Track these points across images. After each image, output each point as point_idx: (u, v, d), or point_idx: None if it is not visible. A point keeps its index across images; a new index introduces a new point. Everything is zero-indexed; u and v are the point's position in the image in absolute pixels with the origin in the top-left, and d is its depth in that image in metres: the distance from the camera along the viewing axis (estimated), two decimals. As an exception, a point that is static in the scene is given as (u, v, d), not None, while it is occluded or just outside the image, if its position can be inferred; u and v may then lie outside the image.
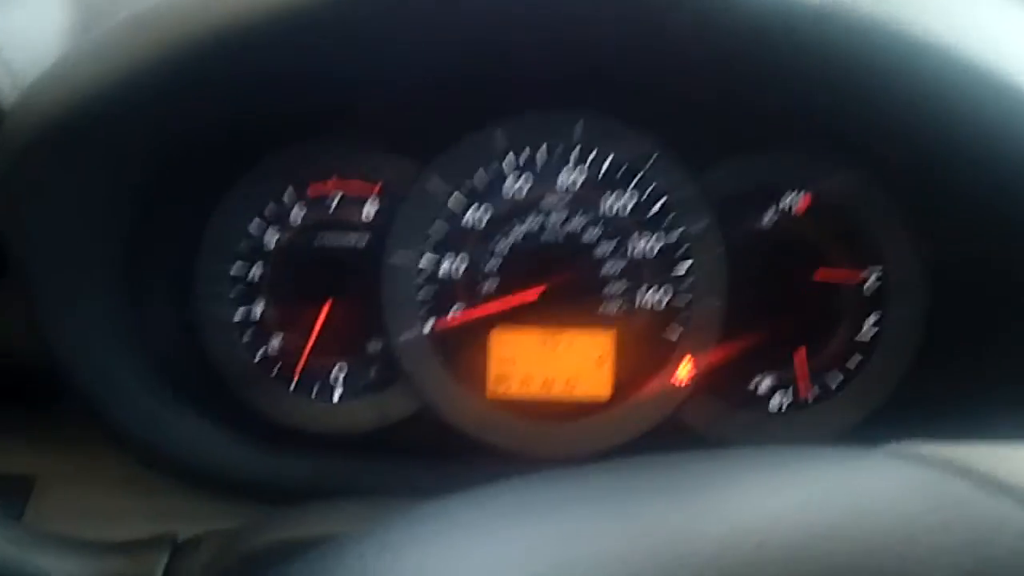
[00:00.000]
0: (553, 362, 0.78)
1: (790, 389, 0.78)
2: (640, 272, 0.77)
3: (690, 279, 0.77)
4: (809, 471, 0.29)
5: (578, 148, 0.76)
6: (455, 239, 0.77)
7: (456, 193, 0.76)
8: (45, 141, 0.59)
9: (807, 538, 0.25)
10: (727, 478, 0.30)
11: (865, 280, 0.76)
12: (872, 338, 0.77)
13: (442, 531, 0.28)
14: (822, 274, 0.76)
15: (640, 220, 0.77)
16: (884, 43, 0.57)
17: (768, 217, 0.77)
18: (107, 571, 0.47)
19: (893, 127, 0.65)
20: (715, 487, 0.29)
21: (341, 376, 0.79)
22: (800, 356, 0.77)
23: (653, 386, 0.78)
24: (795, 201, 0.76)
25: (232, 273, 0.78)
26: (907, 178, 0.72)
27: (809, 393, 0.78)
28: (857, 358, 0.77)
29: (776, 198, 0.76)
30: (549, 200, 0.77)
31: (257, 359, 0.78)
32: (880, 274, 0.76)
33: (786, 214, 0.76)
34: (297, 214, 0.77)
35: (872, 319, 0.77)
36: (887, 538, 0.25)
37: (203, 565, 0.48)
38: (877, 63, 0.58)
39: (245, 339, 0.78)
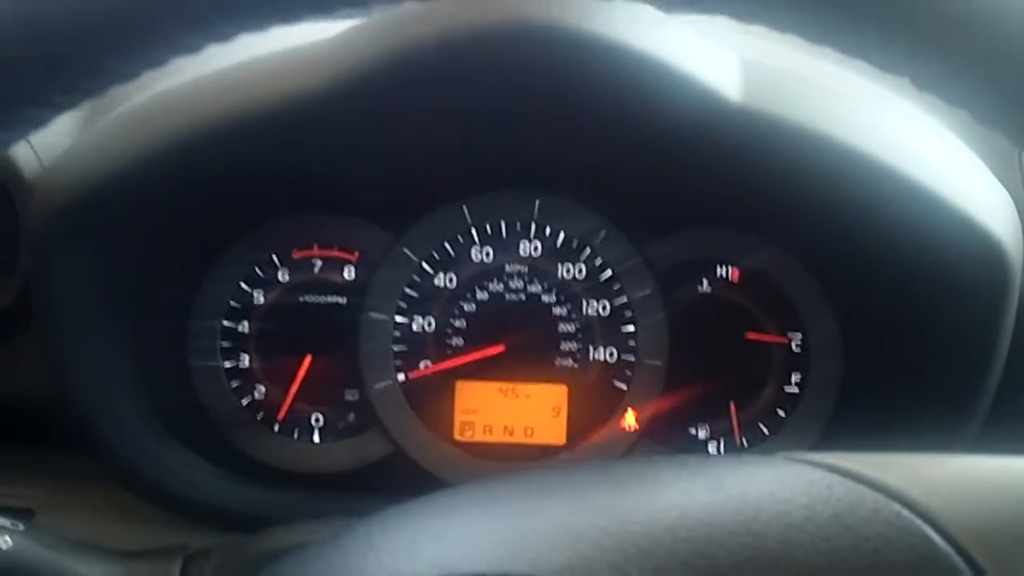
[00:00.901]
0: (513, 411, 0.86)
1: (726, 437, 0.86)
2: (591, 332, 0.85)
3: (635, 339, 0.85)
4: (715, 469, 0.38)
5: (535, 224, 0.84)
6: (425, 300, 0.85)
7: (426, 260, 0.85)
8: (62, 221, 0.68)
9: (712, 519, 0.33)
10: (649, 473, 0.38)
11: (791, 342, 0.85)
12: (798, 391, 0.85)
13: (427, 517, 0.37)
14: (752, 336, 0.85)
15: (591, 286, 0.85)
16: (794, 140, 0.66)
17: (704, 286, 0.85)
18: (131, 574, 0.55)
19: (808, 211, 0.74)
20: (640, 479, 0.38)
21: (321, 420, 0.86)
22: (734, 407, 0.86)
23: (603, 433, 0.85)
24: (728, 272, 0.84)
25: (222, 328, 0.85)
26: (823, 254, 0.81)
27: (743, 440, 0.86)
28: (785, 409, 0.85)
29: (711, 269, 0.84)
30: (510, 268, 0.85)
31: (245, 404, 0.86)
32: (802, 337, 0.85)
33: (720, 283, 0.84)
34: (282, 276, 0.85)
35: (797, 376, 0.85)
36: (767, 519, 0.33)
37: (214, 568, 0.55)
38: (789, 156, 0.67)
39: (234, 386, 0.86)
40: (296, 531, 0.58)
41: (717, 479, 0.36)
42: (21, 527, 0.52)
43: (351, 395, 0.86)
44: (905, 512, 0.33)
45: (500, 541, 0.33)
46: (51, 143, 0.71)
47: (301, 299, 0.85)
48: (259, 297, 0.86)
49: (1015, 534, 0.33)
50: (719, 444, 0.86)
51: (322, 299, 0.85)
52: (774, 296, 0.84)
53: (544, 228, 0.85)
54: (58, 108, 0.36)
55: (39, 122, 0.36)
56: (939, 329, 0.71)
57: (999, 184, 0.69)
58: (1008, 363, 0.70)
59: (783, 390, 0.85)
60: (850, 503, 0.33)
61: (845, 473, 0.35)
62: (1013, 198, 0.69)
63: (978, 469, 0.36)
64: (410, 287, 0.85)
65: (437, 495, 0.39)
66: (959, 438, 0.71)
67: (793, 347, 0.85)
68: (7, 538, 0.51)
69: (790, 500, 0.33)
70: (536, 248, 0.85)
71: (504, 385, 0.86)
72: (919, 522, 0.32)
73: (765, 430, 0.85)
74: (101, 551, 0.55)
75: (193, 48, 0.35)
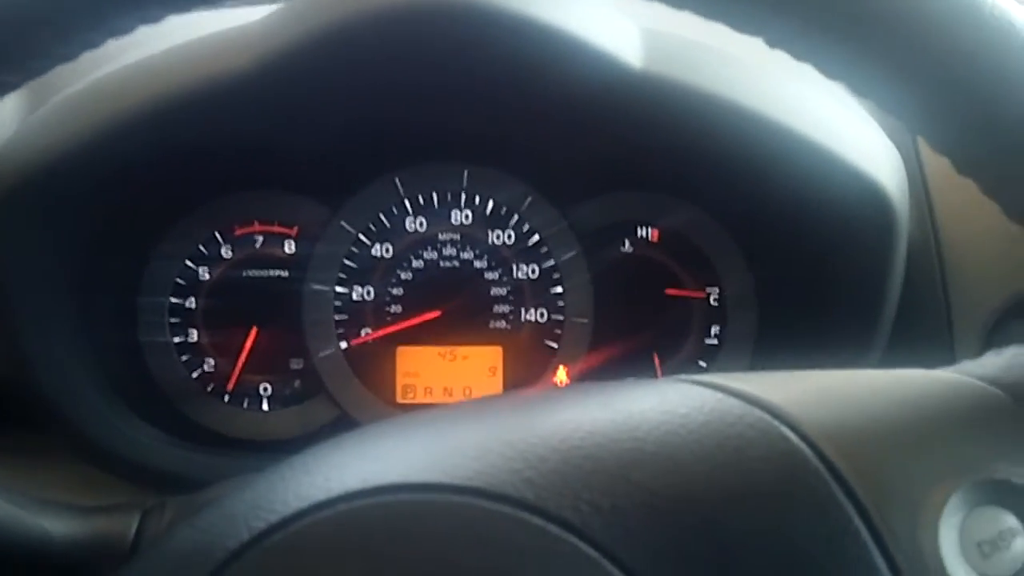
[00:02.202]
0: (452, 373, 0.90)
1: (653, 389, 0.92)
2: (522, 294, 0.90)
3: (564, 299, 0.90)
4: (608, 391, 0.43)
5: (465, 193, 0.89)
6: (364, 270, 0.89)
7: (363, 232, 0.89)
8: (10, 204, 0.71)
9: (601, 429, 0.38)
10: (550, 398, 0.43)
11: (709, 296, 0.91)
12: (717, 342, 0.90)
13: (354, 446, 0.41)
14: (672, 292, 0.90)
15: (520, 251, 0.89)
16: (696, 104, 0.71)
17: (626, 246, 0.90)
18: (91, 528, 0.58)
19: (716, 171, 0.79)
20: (542, 403, 0.43)
21: (269, 389, 0.90)
22: (657, 360, 0.91)
23: (537, 389, 0.91)
24: (648, 232, 0.90)
25: (170, 304, 0.89)
26: (734, 212, 0.86)
27: (668, 392, 0.92)
28: (705, 359, 0.90)
29: (632, 230, 0.90)
30: (443, 236, 0.89)
31: (195, 376, 0.89)
32: (719, 291, 0.90)
33: (641, 243, 0.90)
34: (225, 252, 0.89)
35: (716, 328, 0.90)
36: (648, 428, 0.38)
37: (170, 521, 0.59)
38: (693, 120, 0.72)
39: (183, 359, 0.89)
40: (244, 483, 0.62)
41: (608, 399, 0.41)
42: (-15, 487, 0.56)
43: (296, 364, 0.90)
44: (766, 416, 0.38)
45: (419, 457, 0.38)
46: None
47: (245, 274, 0.89)
48: (204, 273, 0.89)
49: (861, 433, 0.38)
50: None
51: (265, 273, 0.89)
52: (692, 253, 0.90)
53: (473, 197, 0.89)
54: (2, 89, 0.40)
55: None
56: (838, 274, 0.77)
57: (888, 141, 0.75)
58: (904, 299, 0.76)
59: (703, 342, 0.91)
60: (720, 411, 0.38)
61: (716, 387, 0.40)
62: (905, 156, 0.75)
63: (831, 379, 0.41)
64: (348, 258, 0.89)
65: (359, 430, 0.43)
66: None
67: (711, 301, 0.90)
68: (-29, 497, 0.55)
69: (669, 411, 0.39)
70: (467, 216, 0.90)
71: (442, 349, 0.90)
72: (777, 423, 0.38)
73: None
74: (63, 507, 0.58)
75: (126, 30, 0.39)
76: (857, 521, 0.35)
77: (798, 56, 0.39)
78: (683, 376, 0.42)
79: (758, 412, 0.38)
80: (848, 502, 0.36)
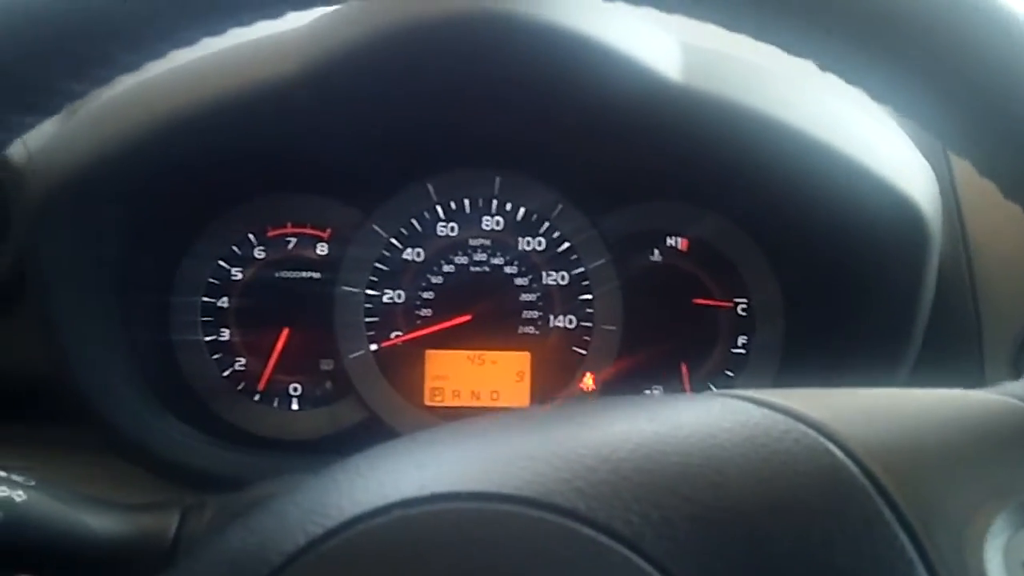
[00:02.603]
0: (480, 377, 0.91)
1: (679, 397, 0.92)
2: (551, 301, 0.91)
3: (592, 306, 0.90)
4: (654, 405, 0.44)
5: (496, 200, 0.90)
6: (395, 273, 0.90)
7: (395, 236, 0.90)
8: (52, 205, 0.72)
9: (649, 441, 0.39)
10: (596, 410, 0.44)
11: (737, 306, 0.91)
12: (744, 352, 0.91)
13: (407, 451, 0.42)
14: (700, 301, 0.91)
15: (550, 258, 0.90)
16: (733, 118, 0.71)
17: (655, 255, 0.91)
18: (134, 525, 0.59)
19: (749, 183, 0.80)
20: (589, 415, 0.44)
21: (299, 389, 0.91)
22: (685, 369, 0.92)
23: (564, 395, 0.91)
24: (677, 242, 0.90)
25: (202, 304, 0.90)
26: (764, 223, 0.87)
27: (693, 399, 0.92)
28: (733, 369, 0.91)
29: (661, 239, 0.90)
30: (474, 241, 0.90)
31: (226, 375, 0.90)
32: (747, 301, 0.91)
33: (670, 252, 0.90)
34: (258, 253, 0.90)
35: (743, 338, 0.91)
36: (695, 441, 0.39)
37: (211, 519, 0.60)
38: (730, 133, 0.73)
39: (215, 358, 0.90)
40: (283, 484, 0.63)
41: (655, 412, 0.42)
42: (33, 483, 0.57)
43: (326, 365, 0.91)
44: (812, 432, 0.39)
45: (472, 466, 0.39)
46: (34, 130, 0.75)
47: (277, 275, 0.90)
48: (237, 273, 0.90)
49: (907, 451, 0.39)
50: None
51: (297, 274, 0.90)
52: (720, 263, 0.90)
53: (505, 204, 0.90)
54: (70, 97, 0.41)
55: (53, 111, 0.41)
56: (870, 289, 0.77)
57: (922, 157, 0.75)
58: (934, 315, 0.76)
59: (730, 351, 0.91)
60: (765, 427, 0.39)
61: (762, 403, 0.40)
62: (938, 172, 0.76)
63: (875, 398, 0.42)
64: (380, 261, 0.90)
65: (413, 436, 0.44)
66: (890, 385, 0.77)
67: (739, 311, 0.91)
68: (20, 492, 0.56)
69: (715, 425, 0.39)
70: (498, 223, 0.90)
71: (471, 352, 0.91)
72: (823, 439, 0.38)
73: (715, 388, 0.92)
74: (105, 504, 0.59)
75: (191, 41, 0.40)
76: (903, 538, 0.36)
77: (849, 80, 0.39)
78: (727, 391, 0.43)
79: (803, 428, 0.39)
80: (894, 519, 0.36)
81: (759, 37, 0.39)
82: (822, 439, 0.38)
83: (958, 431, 0.39)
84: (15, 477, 0.57)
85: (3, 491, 0.55)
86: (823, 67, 0.39)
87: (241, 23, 0.40)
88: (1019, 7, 0.36)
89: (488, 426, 0.44)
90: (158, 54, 0.40)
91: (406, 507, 0.37)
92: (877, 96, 0.39)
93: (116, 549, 0.58)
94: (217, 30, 0.40)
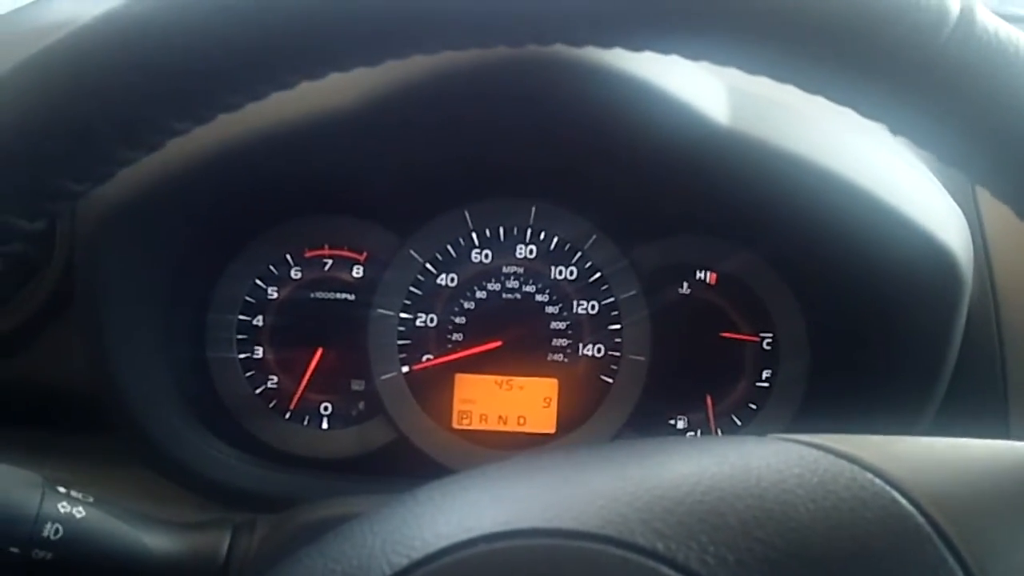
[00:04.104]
0: (508, 402, 0.93)
1: (702, 427, 0.94)
2: (580, 329, 0.93)
3: (621, 336, 0.92)
4: (720, 447, 0.45)
5: (531, 228, 0.91)
6: (429, 298, 0.92)
7: (430, 261, 0.91)
8: (108, 223, 0.74)
9: (721, 485, 0.41)
10: (665, 450, 0.46)
11: (762, 340, 0.93)
12: (768, 386, 0.93)
13: (480, 485, 0.43)
14: (726, 335, 0.93)
15: (581, 287, 0.92)
16: (775, 161, 0.73)
17: (684, 288, 0.92)
18: (187, 544, 0.61)
19: (782, 223, 0.82)
20: (659, 454, 0.45)
21: (329, 409, 0.92)
22: (710, 400, 0.93)
23: (590, 423, 0.93)
24: (706, 275, 0.92)
25: (238, 322, 0.92)
26: (794, 262, 0.89)
27: (718, 431, 0.94)
28: (756, 402, 0.92)
29: (691, 272, 0.92)
30: (507, 269, 0.92)
31: (258, 393, 0.92)
32: (772, 336, 0.93)
33: (699, 285, 0.92)
34: (294, 274, 0.91)
35: (767, 372, 0.92)
36: (766, 485, 0.41)
37: (260, 539, 0.62)
38: (770, 176, 0.74)
39: (248, 376, 0.92)
40: (333, 505, 0.65)
41: (723, 454, 0.43)
42: (92, 500, 0.58)
43: (358, 385, 0.93)
44: (877, 480, 0.40)
45: (549, 503, 0.41)
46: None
47: (312, 295, 0.92)
48: (273, 293, 0.92)
49: (968, 500, 0.40)
50: (696, 435, 0.93)
51: (332, 296, 0.92)
52: (748, 298, 0.92)
53: (539, 233, 0.92)
54: (172, 135, 0.42)
55: (154, 148, 0.43)
56: (898, 331, 0.79)
57: (954, 204, 0.77)
58: (959, 360, 0.78)
59: (755, 385, 0.93)
60: (833, 473, 0.41)
61: (828, 450, 0.42)
62: (967, 217, 0.78)
63: (936, 446, 0.44)
64: (415, 286, 0.92)
65: (484, 469, 0.46)
66: (912, 429, 0.79)
67: (764, 345, 0.93)
68: (80, 509, 0.57)
69: (784, 470, 0.41)
70: (531, 251, 0.92)
71: (499, 378, 0.93)
72: (888, 488, 0.40)
73: (738, 421, 0.93)
74: (159, 522, 0.61)
75: (290, 85, 0.42)
76: None
77: (862, 112, 0.41)
78: (791, 436, 0.45)
79: (870, 476, 0.40)
80: (958, 567, 0.38)
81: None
82: (888, 488, 0.40)
83: (1016, 483, 0.41)
84: (74, 494, 0.58)
85: (64, 507, 0.57)
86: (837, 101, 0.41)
87: (342, 69, 0.42)
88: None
89: (560, 461, 0.45)
90: (261, 96, 0.41)
91: (490, 542, 0.39)
92: (896, 129, 0.41)
93: (170, 567, 0.60)
94: (318, 76, 0.41)
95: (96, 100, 0.37)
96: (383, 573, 0.39)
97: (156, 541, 0.59)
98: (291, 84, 0.42)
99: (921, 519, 0.39)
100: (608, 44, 0.41)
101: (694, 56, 0.41)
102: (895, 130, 0.41)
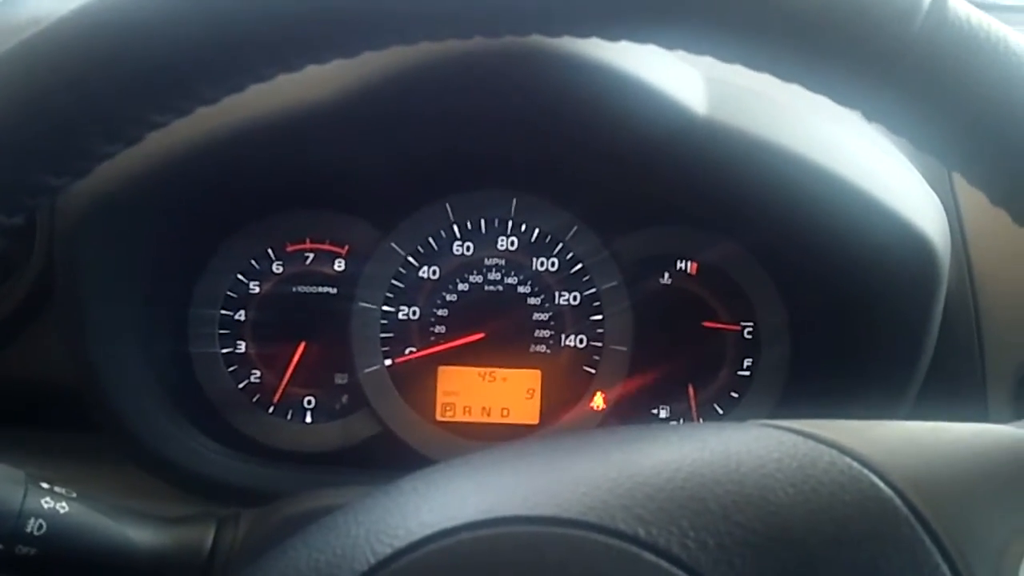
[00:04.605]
0: (491, 393, 0.93)
1: (684, 416, 0.94)
2: (563, 320, 0.93)
3: (603, 327, 0.92)
4: (701, 433, 0.46)
5: (512, 220, 0.92)
6: (411, 291, 0.92)
7: (412, 254, 0.91)
8: (86, 220, 0.74)
9: (702, 470, 0.41)
10: (647, 436, 0.46)
11: (743, 329, 0.93)
12: (749, 374, 0.93)
13: (464, 474, 0.43)
14: (708, 324, 0.93)
15: (563, 278, 0.92)
16: (753, 150, 0.74)
17: (665, 278, 0.92)
18: (171, 538, 0.61)
19: (762, 212, 0.82)
20: (641, 441, 0.46)
21: (313, 402, 0.92)
22: (692, 390, 0.94)
23: (573, 414, 0.93)
24: (688, 265, 0.92)
25: (220, 317, 0.91)
26: (774, 251, 0.89)
27: (700, 419, 0.94)
28: (738, 391, 0.93)
29: (672, 262, 0.92)
30: (489, 261, 0.92)
31: (241, 387, 0.92)
32: (753, 325, 0.93)
33: (680, 276, 0.92)
34: (276, 268, 0.91)
35: (748, 361, 0.93)
36: (746, 471, 0.41)
37: (245, 533, 0.62)
38: (748, 165, 0.75)
39: (231, 371, 0.92)
40: (316, 497, 0.65)
41: (703, 440, 0.44)
42: (75, 495, 0.58)
43: (341, 379, 0.93)
44: (855, 464, 0.41)
45: (533, 490, 0.41)
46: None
47: (294, 289, 0.92)
48: (255, 287, 0.92)
49: (946, 483, 0.41)
50: (679, 423, 0.94)
51: (314, 289, 0.92)
52: (729, 288, 0.92)
53: (520, 225, 0.92)
54: (152, 128, 0.42)
55: (134, 141, 0.43)
56: (877, 318, 0.80)
57: (931, 190, 0.78)
58: (938, 346, 0.79)
59: (736, 374, 0.93)
60: (812, 458, 0.41)
61: (807, 435, 0.43)
62: (944, 204, 0.79)
63: (914, 431, 0.44)
64: (397, 279, 0.92)
65: (467, 458, 0.46)
66: (892, 415, 0.80)
67: (745, 334, 0.93)
68: (64, 504, 0.57)
69: (764, 456, 0.41)
70: (513, 243, 0.92)
71: (482, 369, 0.93)
72: (867, 472, 0.40)
73: (720, 410, 0.94)
74: (144, 516, 0.61)
75: (268, 77, 0.42)
76: (943, 567, 0.38)
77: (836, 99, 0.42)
78: (771, 421, 0.45)
79: (848, 460, 0.41)
80: (935, 549, 0.38)
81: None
82: (866, 471, 0.40)
83: (992, 465, 0.42)
84: (58, 489, 0.58)
85: (47, 503, 0.57)
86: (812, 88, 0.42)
87: (319, 61, 0.42)
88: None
89: (543, 449, 0.46)
90: (240, 88, 0.41)
91: (472, 530, 0.39)
92: (870, 115, 0.42)
93: (155, 561, 0.60)
94: (295, 68, 0.41)
95: (74, 93, 0.37)
96: (367, 562, 0.39)
97: (141, 535, 0.59)
98: (269, 76, 0.42)
99: (899, 502, 0.39)
100: (585, 34, 0.41)
101: (669, 45, 0.41)
102: (870, 117, 0.42)
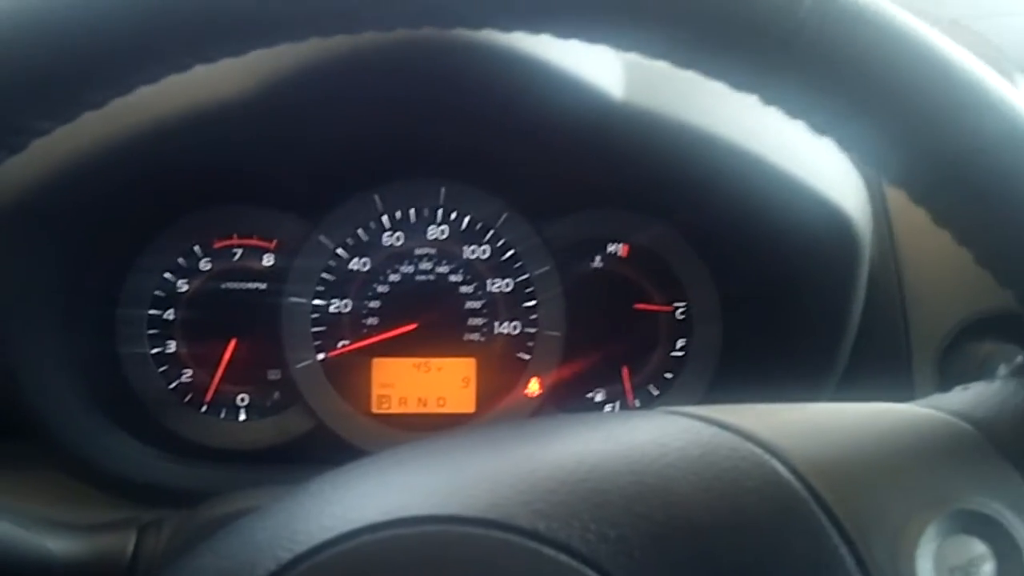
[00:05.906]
0: (426, 384, 0.93)
1: (620, 399, 0.95)
2: (496, 308, 0.93)
3: (536, 312, 0.93)
4: (607, 423, 0.46)
5: (442, 209, 0.91)
6: (341, 283, 0.91)
7: (341, 246, 0.91)
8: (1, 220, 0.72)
9: (604, 462, 0.41)
10: (552, 429, 0.46)
11: (676, 310, 0.94)
12: (683, 355, 0.94)
13: (369, 475, 0.43)
14: (640, 306, 0.94)
15: (494, 265, 0.92)
16: (674, 133, 0.74)
17: (597, 262, 0.93)
18: (91, 546, 0.60)
19: (689, 194, 0.82)
20: (545, 434, 0.46)
21: (246, 400, 0.92)
22: (627, 372, 0.94)
23: (509, 400, 0.93)
24: (618, 248, 0.93)
25: (148, 316, 0.90)
26: (703, 231, 0.90)
27: (634, 402, 0.95)
28: (672, 371, 0.94)
29: (603, 246, 0.93)
30: (420, 251, 0.91)
31: (172, 387, 0.91)
32: (685, 306, 0.94)
33: (611, 259, 0.93)
34: (204, 265, 0.90)
35: (682, 341, 0.94)
36: (648, 460, 0.41)
37: (167, 538, 0.61)
38: (671, 147, 0.75)
39: (161, 370, 0.90)
40: (237, 499, 0.64)
41: (609, 431, 0.44)
42: (-14, 506, 0.57)
43: (274, 375, 0.92)
44: (757, 450, 0.41)
45: (434, 489, 0.41)
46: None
47: (223, 286, 0.90)
48: (183, 285, 0.90)
49: (845, 466, 0.41)
50: (615, 406, 0.94)
51: (243, 286, 0.91)
52: (660, 269, 0.93)
53: (450, 213, 0.92)
54: (36, 135, 0.41)
55: (17, 149, 0.41)
56: (801, 295, 0.80)
57: (853, 169, 0.78)
58: (863, 324, 0.80)
59: (670, 355, 0.94)
60: (714, 445, 0.41)
61: (710, 421, 0.43)
62: (866, 181, 0.79)
63: (816, 413, 0.44)
64: (327, 272, 0.91)
65: (373, 458, 0.46)
66: (821, 390, 0.81)
67: (677, 315, 0.94)
68: (-27, 516, 0.56)
69: (667, 444, 0.41)
70: (443, 232, 0.92)
71: (417, 360, 0.93)
72: (768, 457, 0.41)
73: (655, 391, 0.94)
74: (61, 525, 0.60)
75: (184, 67, 0.41)
76: (843, 550, 0.38)
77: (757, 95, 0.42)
78: (677, 408, 0.45)
79: (750, 446, 0.41)
80: (835, 532, 0.39)
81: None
82: (767, 456, 0.41)
83: (893, 445, 0.42)
84: (-32, 501, 0.57)
85: (-40, 515, 0.55)
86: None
87: (235, 53, 0.41)
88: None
89: (447, 447, 0.45)
90: (154, 78, 0.40)
91: (373, 531, 0.39)
92: (765, 100, 0.42)
93: (75, 570, 0.59)
94: (211, 58, 0.41)
95: None
96: (267, 569, 0.39)
97: (59, 545, 0.58)
98: (185, 66, 0.41)
99: (799, 486, 0.40)
100: (476, 26, 0.41)
101: (565, 36, 0.41)
102: (766, 101, 0.42)
